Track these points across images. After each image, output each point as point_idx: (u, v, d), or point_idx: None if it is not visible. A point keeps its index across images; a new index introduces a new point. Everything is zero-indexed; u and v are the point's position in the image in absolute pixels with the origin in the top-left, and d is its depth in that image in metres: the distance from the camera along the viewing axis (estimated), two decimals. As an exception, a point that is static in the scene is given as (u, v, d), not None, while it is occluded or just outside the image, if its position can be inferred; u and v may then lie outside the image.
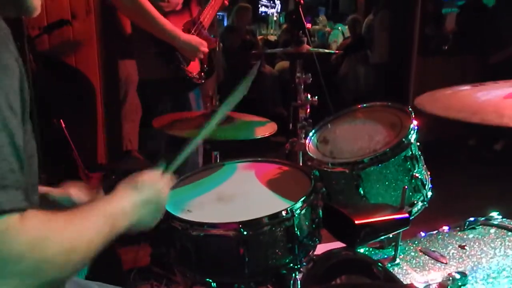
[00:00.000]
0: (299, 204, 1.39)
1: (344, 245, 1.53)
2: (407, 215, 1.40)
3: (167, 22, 2.34)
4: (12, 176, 0.76)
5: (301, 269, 1.45)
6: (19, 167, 0.78)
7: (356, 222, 1.37)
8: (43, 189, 1.27)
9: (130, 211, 1.02)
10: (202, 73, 2.58)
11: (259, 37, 8.34)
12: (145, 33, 2.37)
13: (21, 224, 0.75)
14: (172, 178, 1.22)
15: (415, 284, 1.33)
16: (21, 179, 0.78)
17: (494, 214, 1.65)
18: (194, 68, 2.53)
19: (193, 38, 2.42)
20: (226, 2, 2.72)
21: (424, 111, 1.37)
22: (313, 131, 1.85)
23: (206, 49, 2.48)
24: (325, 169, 1.61)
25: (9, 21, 0.87)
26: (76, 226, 0.86)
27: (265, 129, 1.89)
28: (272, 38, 9.28)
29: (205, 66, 2.59)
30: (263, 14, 10.80)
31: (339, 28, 8.48)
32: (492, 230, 1.58)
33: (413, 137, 1.57)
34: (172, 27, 2.36)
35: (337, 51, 6.40)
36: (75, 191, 1.31)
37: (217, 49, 2.32)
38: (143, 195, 1.08)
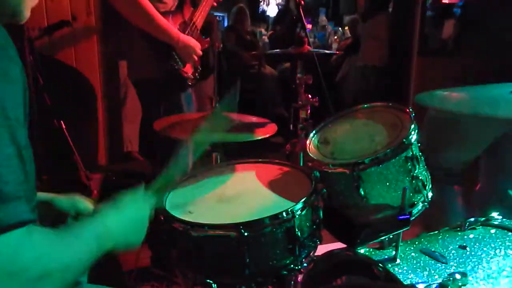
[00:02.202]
0: (299, 205, 1.39)
1: (344, 245, 1.53)
2: (407, 215, 1.40)
3: (167, 22, 2.35)
4: (22, 187, 0.77)
5: (301, 269, 1.45)
6: (26, 179, 0.80)
7: (357, 222, 1.37)
8: (48, 196, 1.28)
9: (114, 230, 1.03)
10: (196, 74, 2.59)
11: (264, 36, 8.33)
12: (140, 32, 2.37)
13: (29, 237, 0.77)
14: (152, 196, 1.24)
15: (416, 284, 1.33)
16: (28, 190, 0.79)
17: (495, 214, 1.66)
18: (188, 68, 2.53)
19: (191, 40, 2.43)
20: (215, 3, 2.72)
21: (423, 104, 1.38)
22: (314, 132, 1.85)
23: (200, 52, 2.49)
24: (326, 170, 1.61)
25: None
26: (71, 246, 0.88)
27: (266, 130, 1.89)
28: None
29: (198, 67, 2.59)
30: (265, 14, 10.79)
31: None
32: (493, 230, 1.58)
33: (413, 137, 1.57)
34: (171, 27, 2.36)
35: (337, 52, 6.41)
36: (80, 201, 1.33)
37: (216, 49, 2.32)
38: (124, 214, 1.10)
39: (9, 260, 0.75)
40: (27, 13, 0.93)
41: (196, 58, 2.49)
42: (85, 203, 1.34)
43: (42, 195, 1.26)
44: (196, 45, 2.45)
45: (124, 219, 1.09)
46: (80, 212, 1.32)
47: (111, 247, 1.00)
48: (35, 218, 0.80)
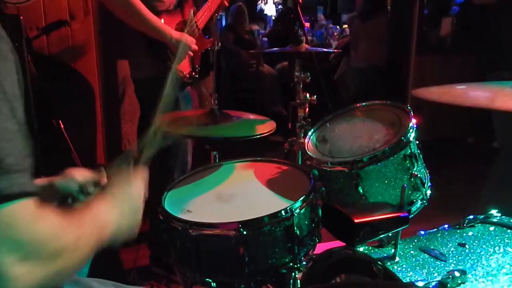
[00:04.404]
0: (298, 204, 1.40)
1: (343, 244, 1.53)
2: (406, 213, 1.40)
3: (158, 20, 2.35)
4: (26, 161, 0.77)
5: (300, 268, 1.45)
6: (29, 154, 0.79)
7: (356, 221, 1.37)
8: (44, 180, 1.28)
9: (111, 211, 1.02)
10: (193, 73, 2.58)
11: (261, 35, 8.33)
12: (137, 32, 2.37)
13: (42, 209, 0.77)
14: (142, 169, 1.21)
15: (415, 282, 1.33)
16: (31, 165, 0.79)
17: (494, 211, 1.66)
18: (184, 67, 2.52)
19: (184, 36, 2.42)
20: (226, 3, 2.72)
21: (420, 98, 1.38)
22: (312, 130, 1.85)
23: (196, 47, 2.48)
24: (324, 168, 1.61)
25: (7, 21, 0.87)
26: (80, 226, 0.88)
27: (264, 128, 1.89)
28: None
29: (196, 66, 2.59)
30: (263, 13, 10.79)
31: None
32: (492, 228, 1.58)
33: (412, 135, 1.57)
34: (163, 25, 2.36)
35: (335, 50, 6.40)
36: (78, 173, 1.33)
37: (215, 48, 2.31)
38: (117, 192, 1.09)
39: (27, 229, 0.75)
40: None
41: (192, 54, 2.48)
42: (83, 177, 1.33)
43: (40, 182, 1.27)
44: (191, 41, 2.45)
45: (118, 197, 1.08)
46: (81, 188, 1.32)
47: (112, 230, 0.99)
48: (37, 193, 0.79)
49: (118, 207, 1.06)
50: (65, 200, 1.31)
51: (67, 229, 0.83)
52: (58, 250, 0.79)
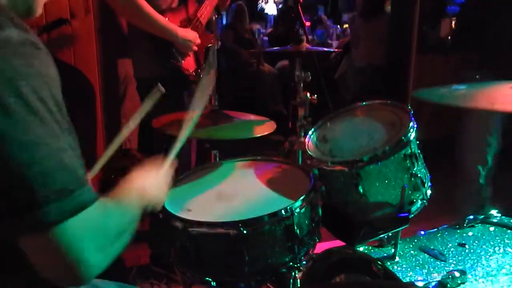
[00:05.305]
0: (298, 203, 1.39)
1: (343, 243, 1.53)
2: (406, 213, 1.40)
3: (164, 19, 2.34)
4: (84, 171, 0.89)
5: (300, 267, 1.45)
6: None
7: (356, 220, 1.37)
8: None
9: (145, 184, 1.16)
10: (199, 70, 2.58)
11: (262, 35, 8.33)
12: (141, 31, 2.37)
13: (105, 206, 0.93)
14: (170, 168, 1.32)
15: (415, 282, 1.33)
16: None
17: (494, 212, 1.66)
18: (190, 65, 2.52)
19: (188, 32, 2.43)
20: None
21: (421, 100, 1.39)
22: (313, 129, 1.85)
23: (199, 41, 2.48)
24: (325, 167, 1.61)
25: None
26: (127, 208, 1.05)
27: (264, 128, 1.89)
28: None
29: (202, 63, 2.59)
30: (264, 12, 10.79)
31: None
32: (492, 228, 1.58)
33: (412, 135, 1.57)
34: (169, 23, 2.36)
35: (336, 49, 6.40)
36: None
37: (216, 46, 2.31)
38: (149, 172, 1.23)
39: (101, 226, 0.90)
40: (40, 10, 0.99)
41: (196, 48, 2.48)
42: None
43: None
44: (195, 37, 2.45)
45: (153, 183, 1.21)
46: None
47: (146, 204, 1.14)
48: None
49: (150, 178, 1.21)
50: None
51: (122, 211, 1.01)
52: (122, 231, 0.97)
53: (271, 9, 10.81)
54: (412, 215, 1.58)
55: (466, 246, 1.48)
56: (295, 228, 1.38)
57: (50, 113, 0.83)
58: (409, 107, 1.67)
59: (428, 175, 1.68)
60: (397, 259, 1.46)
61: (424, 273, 1.38)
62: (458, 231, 1.59)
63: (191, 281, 1.49)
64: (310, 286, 1.57)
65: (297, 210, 1.38)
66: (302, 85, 2.09)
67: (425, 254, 1.47)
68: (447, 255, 1.44)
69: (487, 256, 1.42)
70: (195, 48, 2.47)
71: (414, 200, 1.61)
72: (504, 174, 2.84)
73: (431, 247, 1.49)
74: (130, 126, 1.50)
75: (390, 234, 1.48)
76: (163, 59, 2.42)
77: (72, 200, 0.83)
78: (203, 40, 2.56)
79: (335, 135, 1.77)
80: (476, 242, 1.50)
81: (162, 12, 2.37)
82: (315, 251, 1.53)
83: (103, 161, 1.47)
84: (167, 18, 2.39)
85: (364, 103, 1.85)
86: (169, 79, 2.45)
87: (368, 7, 5.27)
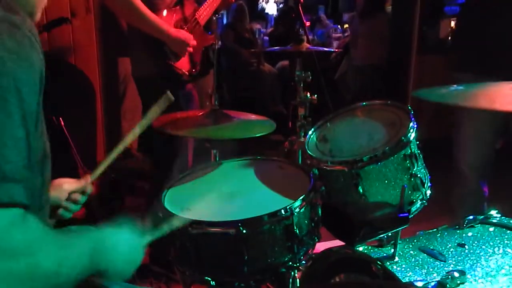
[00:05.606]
0: (298, 203, 1.40)
1: (343, 243, 1.53)
2: (406, 213, 1.40)
3: (156, 17, 2.34)
4: (23, 172, 0.77)
5: (300, 267, 1.45)
6: (28, 166, 0.79)
7: (355, 220, 1.37)
8: None
9: (109, 251, 0.99)
10: (194, 70, 2.58)
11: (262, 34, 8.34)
12: (139, 30, 2.37)
13: (23, 220, 0.77)
14: (149, 234, 1.17)
15: (414, 282, 1.33)
16: (28, 177, 0.79)
17: (493, 212, 1.66)
18: (183, 65, 2.52)
19: (181, 33, 2.42)
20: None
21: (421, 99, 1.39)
22: (313, 129, 1.85)
23: (194, 42, 2.48)
24: (324, 167, 1.61)
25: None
26: (64, 248, 0.86)
27: (264, 128, 1.89)
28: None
29: (197, 63, 2.58)
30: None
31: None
32: (491, 229, 1.58)
33: (412, 135, 1.57)
34: (161, 22, 2.36)
35: (336, 49, 6.40)
36: (66, 182, 1.37)
37: (216, 46, 2.31)
38: (122, 240, 1.05)
39: (2, 236, 0.74)
40: (39, 14, 0.99)
41: (191, 50, 2.47)
42: (71, 186, 1.38)
43: None
44: (189, 38, 2.44)
45: (121, 244, 1.04)
46: (70, 197, 1.35)
47: (102, 267, 0.95)
48: (29, 205, 0.78)
49: (120, 249, 1.03)
50: (55, 211, 1.32)
51: (48, 244, 0.82)
52: (32, 263, 0.77)
53: (271, 9, 10.82)
54: (412, 215, 1.58)
55: (466, 247, 1.48)
56: (295, 227, 1.38)
57: None
58: (409, 107, 1.67)
59: (428, 175, 1.68)
60: (396, 259, 1.46)
61: (424, 273, 1.38)
62: (458, 231, 1.59)
63: (190, 281, 1.49)
64: (309, 286, 1.57)
65: (297, 210, 1.38)
66: (302, 85, 2.09)
67: (425, 254, 1.46)
68: (446, 255, 1.44)
69: (487, 257, 1.42)
70: (190, 49, 2.46)
71: (414, 200, 1.61)
72: (504, 174, 2.84)
73: (431, 247, 1.49)
74: (136, 132, 1.46)
75: (389, 234, 1.48)
76: (157, 58, 2.42)
77: None
78: (201, 41, 2.55)
79: (335, 135, 1.77)
80: (476, 242, 1.50)
81: (159, 11, 2.37)
82: (315, 251, 1.53)
83: (106, 165, 1.42)
84: (164, 14, 2.38)
85: (364, 103, 1.85)
86: (162, 78, 2.45)
87: (368, 7, 5.27)
